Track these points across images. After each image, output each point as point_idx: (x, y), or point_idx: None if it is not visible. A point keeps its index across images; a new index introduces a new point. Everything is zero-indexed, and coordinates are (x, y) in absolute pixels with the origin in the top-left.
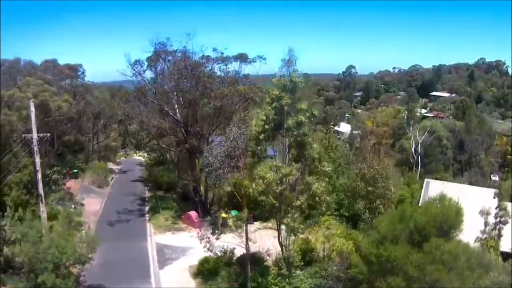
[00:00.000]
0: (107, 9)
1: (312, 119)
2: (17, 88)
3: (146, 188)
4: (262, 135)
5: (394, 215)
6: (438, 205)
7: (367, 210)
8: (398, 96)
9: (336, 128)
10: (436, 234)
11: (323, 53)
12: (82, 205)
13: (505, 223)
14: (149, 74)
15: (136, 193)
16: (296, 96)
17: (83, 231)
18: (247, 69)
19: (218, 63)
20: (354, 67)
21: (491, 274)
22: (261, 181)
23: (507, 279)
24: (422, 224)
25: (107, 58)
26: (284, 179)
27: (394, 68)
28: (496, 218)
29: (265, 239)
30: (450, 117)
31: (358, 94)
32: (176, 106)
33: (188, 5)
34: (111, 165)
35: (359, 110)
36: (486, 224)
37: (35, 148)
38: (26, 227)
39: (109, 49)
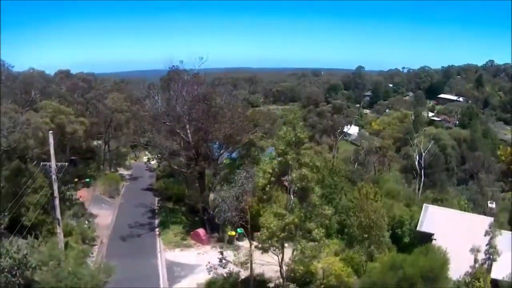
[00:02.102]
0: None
1: (314, 169)
2: (33, 110)
3: (156, 198)
4: (268, 186)
5: (385, 263)
6: (426, 256)
7: (362, 254)
8: (407, 97)
9: (345, 129)
10: (422, 283)
11: (335, 48)
12: (94, 217)
13: (494, 260)
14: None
15: (147, 204)
16: (300, 148)
17: (96, 247)
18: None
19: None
20: (363, 68)
21: None
22: (265, 230)
23: None
24: (410, 274)
25: (109, 47)
26: (286, 227)
27: (403, 68)
28: (485, 254)
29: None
30: (457, 122)
31: (367, 94)
32: (187, 127)
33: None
34: (121, 171)
35: (367, 111)
36: (475, 260)
37: (54, 177)
38: (46, 255)
39: (111, 38)
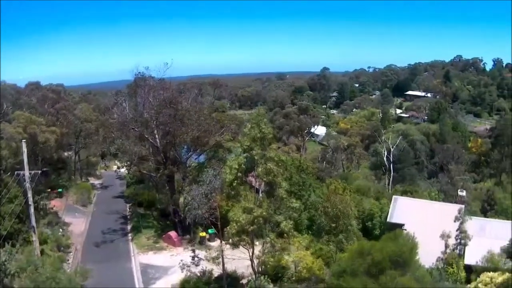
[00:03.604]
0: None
1: (280, 164)
2: (6, 121)
3: (128, 205)
4: (235, 182)
5: (354, 251)
6: (394, 242)
7: (330, 242)
8: (373, 96)
9: (312, 130)
10: (391, 267)
11: (300, 52)
12: (68, 225)
13: (465, 245)
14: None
15: (119, 210)
16: (265, 144)
17: (71, 254)
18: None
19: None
20: (328, 69)
21: None
22: (234, 224)
23: None
24: (379, 259)
25: (77, 59)
26: (255, 220)
27: (369, 67)
28: (456, 239)
29: (241, 255)
30: (425, 118)
31: (333, 95)
32: (155, 132)
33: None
34: (92, 180)
35: (334, 112)
36: (446, 246)
37: (28, 185)
38: (23, 262)
39: (78, 51)
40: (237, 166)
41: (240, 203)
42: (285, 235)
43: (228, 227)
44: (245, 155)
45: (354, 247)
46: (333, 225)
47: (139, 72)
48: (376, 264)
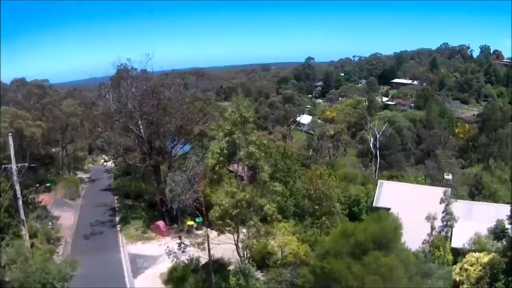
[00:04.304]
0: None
1: (261, 147)
2: None
3: (116, 197)
4: (218, 166)
5: (337, 232)
6: (378, 223)
7: (314, 225)
8: (359, 85)
9: (298, 119)
10: (375, 248)
11: (284, 42)
12: (57, 219)
13: (451, 226)
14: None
15: (107, 203)
16: (247, 128)
17: (61, 246)
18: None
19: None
20: (313, 59)
21: (429, 281)
22: (217, 207)
23: (446, 283)
24: (362, 240)
25: (61, 56)
26: (238, 204)
27: (354, 56)
28: (443, 221)
29: (227, 240)
30: (412, 105)
31: (318, 84)
32: (140, 122)
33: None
34: (80, 174)
35: (320, 101)
36: (432, 228)
37: (15, 178)
38: (13, 253)
39: (65, 48)
40: (218, 151)
41: (223, 187)
42: (268, 218)
43: (211, 211)
44: (226, 139)
45: (338, 229)
46: (316, 207)
47: (121, 64)
48: (360, 245)
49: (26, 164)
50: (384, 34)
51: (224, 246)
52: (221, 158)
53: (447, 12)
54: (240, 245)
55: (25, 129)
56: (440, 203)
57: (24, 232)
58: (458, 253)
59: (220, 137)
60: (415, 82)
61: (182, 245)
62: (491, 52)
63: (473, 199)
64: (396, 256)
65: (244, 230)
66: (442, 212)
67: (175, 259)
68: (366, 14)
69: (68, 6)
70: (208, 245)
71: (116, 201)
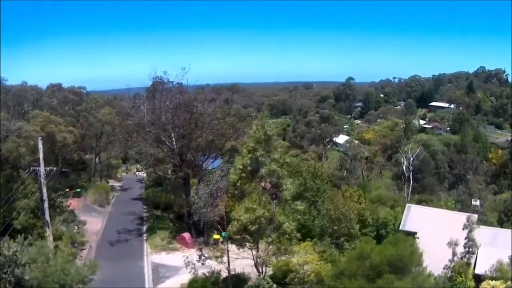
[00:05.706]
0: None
1: (284, 166)
2: (25, 120)
3: (145, 207)
4: (239, 182)
5: (353, 253)
6: (394, 246)
7: (332, 245)
8: (398, 107)
9: (335, 139)
10: (390, 271)
11: (326, 62)
12: (84, 224)
13: (473, 253)
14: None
15: (136, 212)
16: (270, 145)
17: (85, 250)
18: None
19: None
20: (353, 79)
21: None
22: (235, 222)
23: None
24: (377, 263)
25: (102, 65)
26: (257, 220)
27: (394, 77)
28: (465, 248)
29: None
30: (448, 129)
31: (358, 104)
32: (172, 135)
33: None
34: (112, 182)
35: (359, 121)
36: (454, 253)
37: (43, 181)
38: (35, 252)
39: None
40: (241, 167)
41: (244, 203)
42: (286, 236)
43: (230, 225)
44: (249, 156)
45: (355, 250)
46: (335, 227)
47: (157, 76)
48: (375, 267)
49: (55, 168)
50: (423, 56)
51: (246, 261)
52: (243, 174)
53: (485, 36)
54: (258, 260)
55: (57, 134)
56: (463, 229)
57: (48, 233)
58: (480, 280)
59: (244, 153)
60: (452, 106)
61: (202, 257)
62: None
63: (501, 226)
64: (412, 280)
65: (263, 246)
66: (465, 238)
67: (193, 270)
68: (407, 36)
69: (111, 14)
70: (228, 259)
71: (145, 211)
